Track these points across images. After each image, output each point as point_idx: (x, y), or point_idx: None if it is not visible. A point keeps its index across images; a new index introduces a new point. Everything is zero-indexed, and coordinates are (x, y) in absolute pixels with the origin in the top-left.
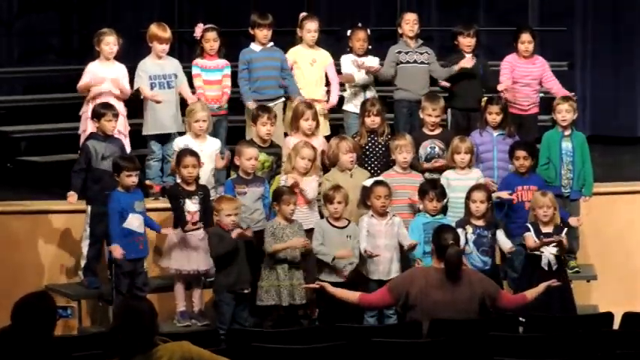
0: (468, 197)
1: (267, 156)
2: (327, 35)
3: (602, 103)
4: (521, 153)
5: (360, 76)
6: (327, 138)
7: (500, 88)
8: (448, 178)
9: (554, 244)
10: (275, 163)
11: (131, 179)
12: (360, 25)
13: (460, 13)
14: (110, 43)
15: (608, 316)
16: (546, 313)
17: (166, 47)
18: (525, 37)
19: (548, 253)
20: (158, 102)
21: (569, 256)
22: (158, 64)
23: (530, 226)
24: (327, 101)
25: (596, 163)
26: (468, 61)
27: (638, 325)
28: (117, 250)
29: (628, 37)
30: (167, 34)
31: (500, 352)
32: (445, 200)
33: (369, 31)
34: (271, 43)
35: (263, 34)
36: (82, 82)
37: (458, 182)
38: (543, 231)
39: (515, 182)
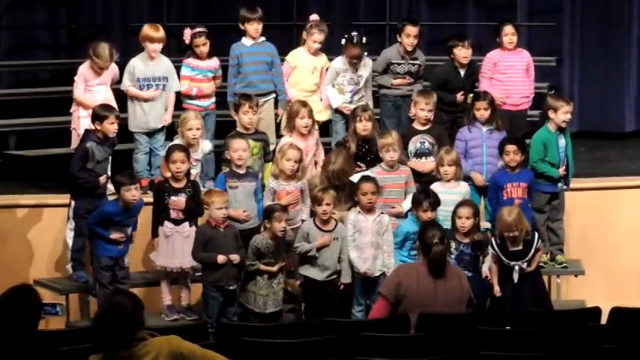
0: (454, 212)
1: (254, 142)
2: None
3: (589, 99)
4: (511, 147)
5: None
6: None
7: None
8: (435, 192)
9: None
10: (263, 149)
11: (130, 194)
12: (355, 40)
13: (449, 9)
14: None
15: (596, 311)
16: (519, 308)
17: (158, 47)
18: (508, 29)
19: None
20: (146, 100)
21: (557, 251)
22: (148, 65)
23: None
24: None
25: (584, 158)
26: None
27: (625, 320)
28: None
29: (616, 32)
30: (159, 33)
31: (487, 347)
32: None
33: (364, 39)
34: (262, 38)
35: (254, 28)
36: (77, 93)
37: (444, 196)
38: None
39: (504, 179)
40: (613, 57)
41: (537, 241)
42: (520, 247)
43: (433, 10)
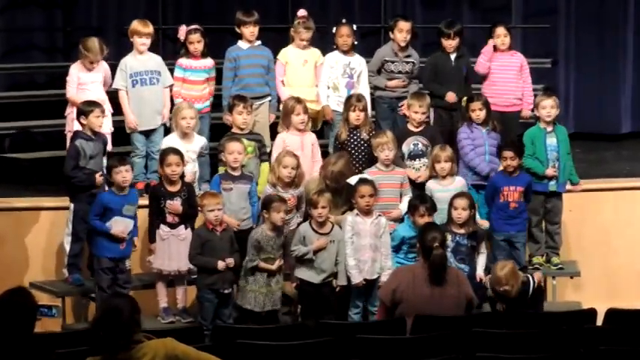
0: (450, 204)
1: (249, 141)
2: None
3: (585, 100)
4: (508, 153)
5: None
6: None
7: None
8: (431, 189)
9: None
10: (258, 149)
11: (120, 175)
12: (343, 21)
13: (444, 10)
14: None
15: (592, 313)
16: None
17: (146, 42)
18: (500, 30)
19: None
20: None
21: (552, 253)
22: (139, 60)
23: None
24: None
25: (580, 159)
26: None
27: (621, 321)
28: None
29: (611, 33)
30: (147, 28)
31: (483, 349)
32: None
33: (354, 26)
34: (258, 42)
35: (249, 31)
36: (70, 92)
37: (441, 194)
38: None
39: (502, 182)
40: (608, 58)
41: (533, 285)
42: (516, 296)
43: (428, 12)
